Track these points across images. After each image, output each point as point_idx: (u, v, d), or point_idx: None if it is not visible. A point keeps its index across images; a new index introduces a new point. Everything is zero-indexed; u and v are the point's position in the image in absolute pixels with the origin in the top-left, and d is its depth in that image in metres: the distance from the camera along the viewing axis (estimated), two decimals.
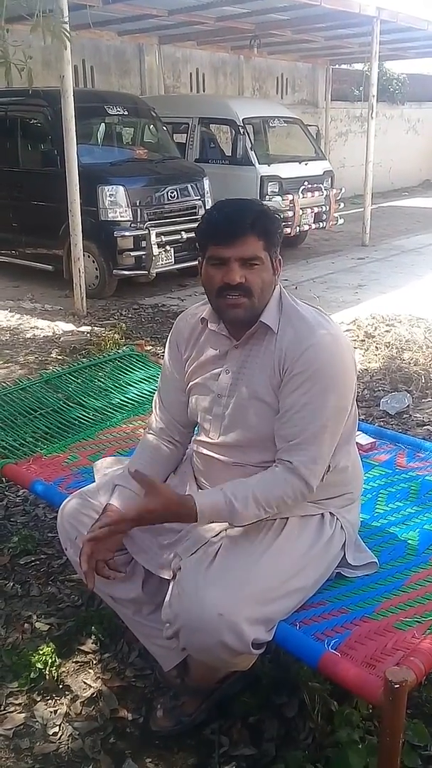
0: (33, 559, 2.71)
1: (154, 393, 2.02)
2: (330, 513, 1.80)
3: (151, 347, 5.01)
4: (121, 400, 3.04)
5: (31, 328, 5.99)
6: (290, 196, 8.45)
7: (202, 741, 1.88)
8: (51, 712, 2.00)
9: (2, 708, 2.02)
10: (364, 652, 1.56)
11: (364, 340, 5.31)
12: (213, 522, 1.68)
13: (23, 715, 1.99)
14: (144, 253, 6.79)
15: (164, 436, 1.93)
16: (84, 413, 2.91)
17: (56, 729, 1.95)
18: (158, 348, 5.04)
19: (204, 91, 12.93)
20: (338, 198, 9.28)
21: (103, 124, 7.82)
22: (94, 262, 6.87)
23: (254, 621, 1.57)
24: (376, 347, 5.13)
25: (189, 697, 1.92)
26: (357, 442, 1.94)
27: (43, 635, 2.29)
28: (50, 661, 2.13)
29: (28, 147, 7.52)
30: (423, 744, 1.80)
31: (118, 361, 3.39)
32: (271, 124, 9.56)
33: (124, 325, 5.86)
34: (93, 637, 2.25)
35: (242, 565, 1.63)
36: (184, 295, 7.10)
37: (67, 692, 2.07)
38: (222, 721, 1.93)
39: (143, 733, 1.92)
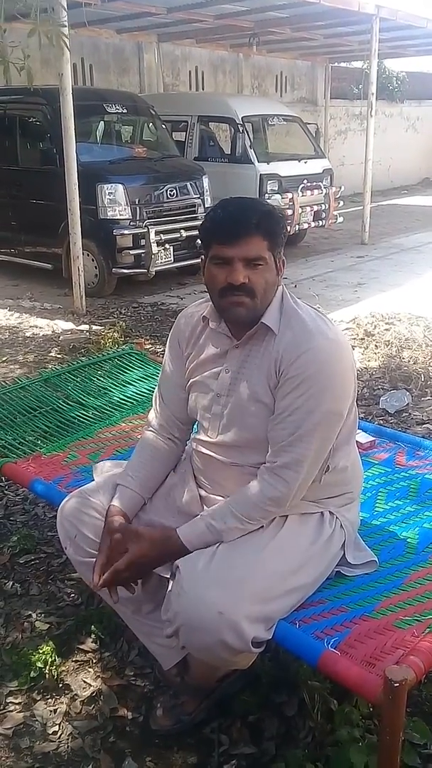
0: (32, 558, 2.71)
1: (153, 391, 2.02)
2: (330, 512, 1.79)
3: (150, 346, 5.01)
4: (120, 398, 3.04)
5: (31, 326, 5.99)
6: (289, 195, 8.45)
7: (202, 740, 1.89)
8: (51, 711, 2.01)
9: (2, 707, 2.02)
10: (363, 650, 1.56)
11: (364, 339, 5.31)
12: (206, 547, 1.68)
13: (23, 714, 1.99)
14: (143, 251, 6.78)
15: (164, 433, 1.93)
16: (83, 412, 2.90)
17: (56, 728, 1.95)
18: (158, 346, 5.04)
19: (203, 89, 12.92)
20: (338, 196, 9.27)
21: (102, 122, 7.81)
22: (93, 260, 6.87)
23: (254, 619, 1.57)
24: (376, 346, 5.13)
25: (189, 695, 1.92)
26: (356, 441, 1.93)
27: (42, 634, 2.29)
28: (50, 660, 2.13)
29: (27, 145, 7.51)
30: (423, 742, 1.80)
31: (118, 359, 3.39)
32: (270, 123, 9.54)
33: (123, 323, 5.86)
34: (93, 635, 2.25)
35: (242, 564, 1.63)
36: (184, 294, 7.10)
37: (66, 691, 2.07)
38: (222, 719, 1.93)
39: (143, 732, 1.92)
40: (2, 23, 2.94)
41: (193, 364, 1.84)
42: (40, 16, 3.21)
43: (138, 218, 6.86)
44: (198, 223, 7.02)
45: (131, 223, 6.82)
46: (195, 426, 1.94)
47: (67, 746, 1.89)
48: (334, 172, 9.72)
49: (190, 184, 7.46)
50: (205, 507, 1.83)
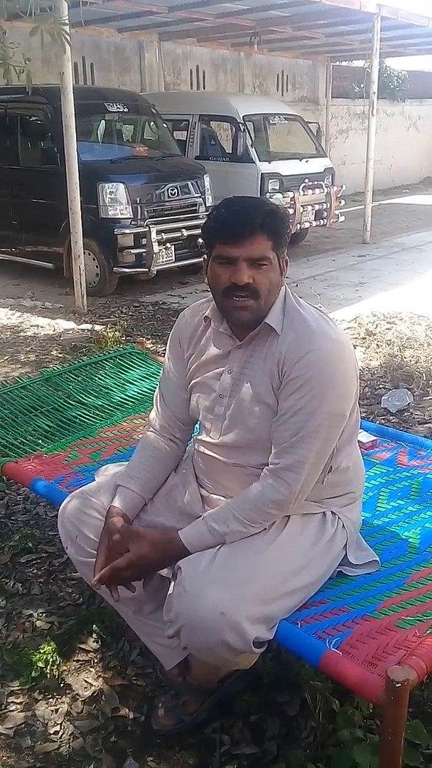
0: (34, 557, 2.71)
1: (154, 391, 2.01)
2: (332, 512, 1.79)
3: (151, 345, 5.00)
4: (121, 398, 3.04)
5: (32, 326, 5.99)
6: (291, 194, 8.44)
7: (204, 740, 1.88)
8: (52, 710, 2.00)
9: (3, 707, 2.02)
10: (365, 650, 1.55)
11: (365, 338, 5.30)
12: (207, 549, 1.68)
13: (24, 713, 1.99)
14: (144, 250, 6.78)
15: (165, 434, 1.93)
16: (84, 411, 2.90)
17: (57, 728, 1.95)
18: (159, 346, 5.04)
19: (204, 88, 12.91)
20: (339, 195, 9.27)
21: (103, 121, 7.81)
22: (94, 259, 6.87)
23: (255, 620, 1.56)
24: (377, 345, 5.12)
25: (190, 695, 1.91)
26: (358, 440, 1.93)
27: (44, 634, 2.29)
28: (51, 659, 2.13)
29: (28, 144, 7.50)
30: (425, 743, 1.80)
31: (119, 359, 3.38)
32: (271, 121, 9.53)
33: (124, 322, 5.86)
34: (94, 635, 2.25)
35: (244, 564, 1.62)
36: (185, 293, 7.10)
37: (68, 691, 2.07)
38: (223, 719, 1.93)
39: (144, 732, 1.91)
40: (3, 23, 2.93)
41: (195, 365, 1.83)
42: (41, 15, 3.21)
43: (139, 217, 6.85)
44: (199, 222, 7.04)
45: (132, 222, 6.82)
46: (196, 426, 1.94)
47: (69, 746, 1.89)
48: (336, 171, 9.70)
49: (192, 183, 7.46)
50: (206, 507, 1.82)
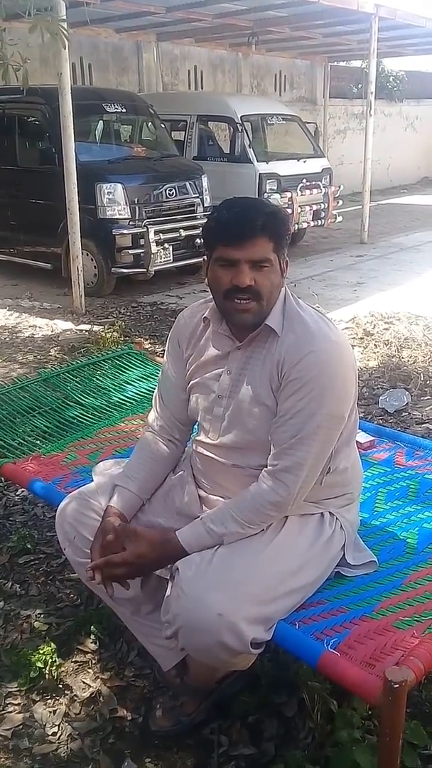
0: (32, 558, 2.71)
1: (152, 391, 2.01)
2: (330, 513, 1.79)
3: (149, 345, 5.01)
4: (119, 398, 3.04)
5: (30, 326, 5.98)
6: (289, 194, 8.45)
7: (202, 741, 1.88)
8: (50, 712, 2.00)
9: (1, 708, 2.02)
10: (363, 651, 1.55)
11: (363, 338, 5.31)
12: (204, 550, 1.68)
13: (22, 715, 1.99)
14: (142, 251, 6.77)
15: (163, 435, 1.93)
16: (83, 412, 2.90)
17: (55, 729, 1.95)
18: (157, 346, 5.04)
19: (202, 88, 12.92)
20: (337, 195, 9.27)
21: (101, 121, 7.81)
22: (92, 260, 6.86)
23: (253, 621, 1.56)
24: (375, 345, 5.13)
25: (188, 696, 1.91)
26: (356, 441, 1.93)
27: (42, 635, 2.29)
28: (49, 660, 2.13)
29: (25, 145, 7.50)
30: (423, 744, 1.80)
31: (117, 359, 3.38)
32: (269, 122, 9.54)
33: (122, 323, 5.85)
34: (92, 636, 2.25)
35: (241, 565, 1.62)
36: (183, 293, 7.10)
37: (66, 692, 2.07)
38: (221, 720, 1.92)
39: (142, 733, 1.91)
40: (1, 23, 2.94)
41: (194, 366, 1.83)
42: (39, 14, 3.21)
43: (137, 218, 6.85)
44: (197, 222, 7.05)
45: (130, 223, 6.81)
46: (195, 427, 1.94)
47: (67, 747, 1.89)
48: (333, 171, 9.72)
49: (190, 183, 7.45)
50: (204, 508, 1.82)
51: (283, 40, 11.70)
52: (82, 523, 1.84)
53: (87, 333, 5.66)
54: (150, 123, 8.23)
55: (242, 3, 8.76)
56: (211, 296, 1.75)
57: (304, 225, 8.99)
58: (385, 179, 16.52)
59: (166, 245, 6.96)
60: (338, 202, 9.35)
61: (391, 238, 10.21)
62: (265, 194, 8.26)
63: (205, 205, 7.42)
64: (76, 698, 2.04)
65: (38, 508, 3.05)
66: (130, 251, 6.77)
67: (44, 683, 2.09)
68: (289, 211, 8.33)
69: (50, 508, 2.86)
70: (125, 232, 6.75)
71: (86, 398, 3.01)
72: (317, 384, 1.61)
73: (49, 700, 2.04)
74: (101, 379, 3.19)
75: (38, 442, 2.67)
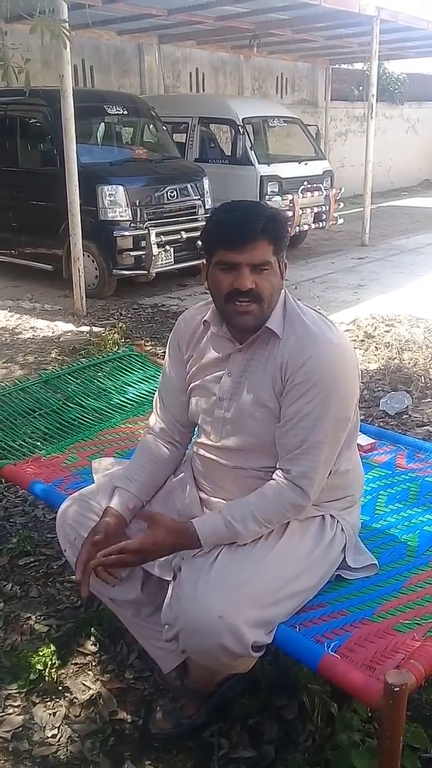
0: (32, 560, 2.71)
1: (153, 393, 2.01)
2: (331, 515, 1.79)
3: (150, 347, 5.00)
4: (120, 400, 3.03)
5: (31, 328, 5.99)
6: (290, 196, 8.45)
7: (202, 743, 1.88)
8: (50, 714, 2.00)
9: (1, 710, 2.01)
10: (363, 654, 1.55)
11: (364, 340, 5.31)
12: (218, 544, 1.68)
13: (22, 717, 1.99)
14: (143, 252, 6.78)
15: (164, 437, 1.93)
16: (83, 414, 2.90)
17: (55, 731, 1.94)
18: (158, 348, 5.04)
19: (204, 90, 12.93)
20: (338, 198, 9.28)
21: (102, 123, 7.80)
22: (93, 261, 6.87)
23: (254, 624, 1.56)
24: (376, 347, 5.13)
25: (188, 699, 1.91)
26: (357, 443, 1.93)
27: (42, 637, 2.29)
28: (49, 662, 2.12)
29: (27, 147, 7.51)
30: (424, 747, 1.79)
31: (118, 361, 3.38)
32: (270, 124, 9.55)
33: (123, 325, 5.85)
34: (92, 638, 2.25)
35: (243, 568, 1.62)
36: (184, 295, 7.10)
37: (66, 694, 2.06)
38: (221, 723, 1.92)
39: (142, 736, 1.91)
40: (4, 24, 2.94)
41: (194, 368, 1.83)
42: (41, 15, 3.21)
43: (138, 220, 6.86)
44: (198, 224, 7.06)
45: (132, 225, 6.82)
46: (195, 430, 1.94)
47: (67, 750, 1.89)
48: (335, 173, 9.72)
49: (191, 185, 7.46)
50: (205, 510, 1.82)
51: (284, 42, 11.71)
52: (82, 525, 1.84)
53: (88, 335, 5.66)
54: (151, 125, 8.24)
55: (244, 5, 8.77)
56: (211, 299, 1.75)
57: (305, 227, 8.99)
58: (386, 181, 16.53)
59: (168, 247, 6.98)
60: (339, 205, 9.36)
61: (392, 240, 10.21)
62: (267, 196, 8.27)
63: (207, 207, 7.43)
64: (76, 700, 2.04)
65: (38, 510, 3.05)
66: (132, 253, 6.78)
67: (44, 685, 2.08)
68: (290, 213, 8.34)
69: (51, 510, 2.85)
70: (126, 233, 6.76)
71: (87, 400, 3.01)
72: (323, 387, 1.62)
73: (49, 702, 2.04)
74: (102, 380, 3.19)
75: (39, 443, 2.67)
